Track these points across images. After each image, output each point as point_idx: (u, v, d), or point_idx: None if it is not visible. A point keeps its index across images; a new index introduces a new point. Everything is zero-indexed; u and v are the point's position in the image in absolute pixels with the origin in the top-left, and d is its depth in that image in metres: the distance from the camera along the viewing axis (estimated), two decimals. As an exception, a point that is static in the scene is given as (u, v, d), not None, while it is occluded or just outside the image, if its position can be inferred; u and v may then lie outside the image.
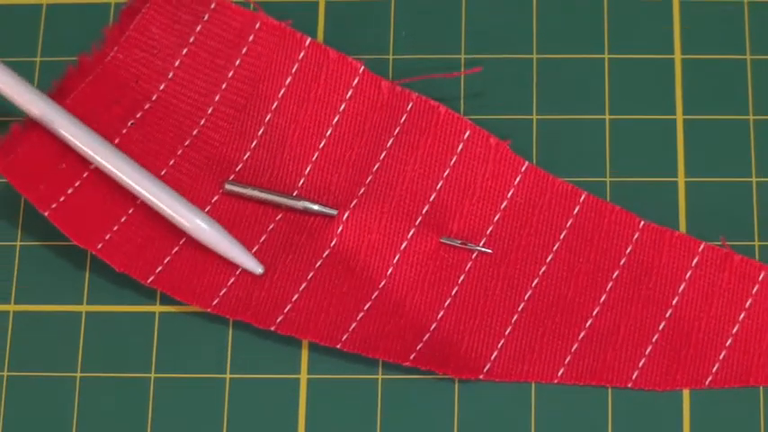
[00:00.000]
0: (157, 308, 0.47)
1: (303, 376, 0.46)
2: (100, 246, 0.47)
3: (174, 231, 0.48)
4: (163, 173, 0.49)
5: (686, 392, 0.45)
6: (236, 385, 0.46)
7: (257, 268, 0.47)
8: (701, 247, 0.46)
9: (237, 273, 0.47)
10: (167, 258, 0.47)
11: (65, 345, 0.47)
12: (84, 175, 0.48)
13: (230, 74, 0.50)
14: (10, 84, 0.48)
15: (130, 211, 0.48)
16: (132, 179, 0.47)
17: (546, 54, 0.50)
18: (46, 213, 0.47)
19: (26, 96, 0.48)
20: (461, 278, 0.47)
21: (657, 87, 0.49)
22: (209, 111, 0.50)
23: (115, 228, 0.48)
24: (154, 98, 0.50)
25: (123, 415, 0.46)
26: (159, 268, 0.47)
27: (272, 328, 0.46)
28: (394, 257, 0.47)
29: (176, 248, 0.48)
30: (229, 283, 0.47)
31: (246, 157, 0.49)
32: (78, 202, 0.48)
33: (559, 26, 0.51)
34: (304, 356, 0.47)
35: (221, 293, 0.47)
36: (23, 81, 0.48)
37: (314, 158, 0.49)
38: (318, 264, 0.47)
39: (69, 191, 0.48)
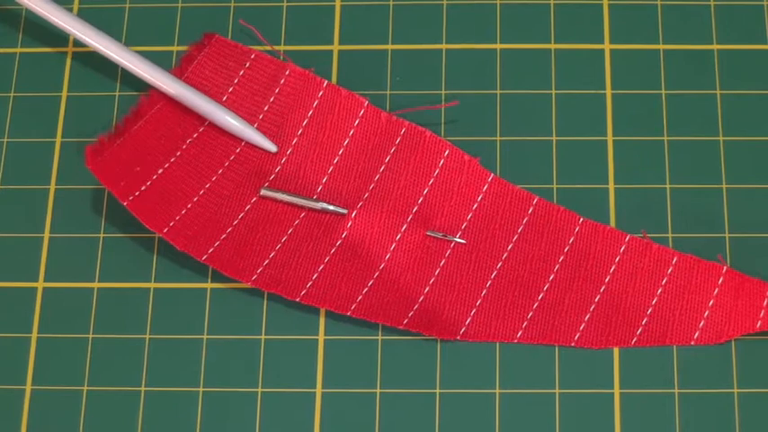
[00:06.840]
0: (209, 285, 0.49)
1: (321, 337, 0.48)
2: (166, 230, 0.48)
3: (222, 222, 0.49)
4: (213, 179, 0.50)
5: (616, 350, 0.48)
6: (269, 344, 0.48)
7: (273, 147, 0.49)
8: (627, 238, 0.49)
9: (271, 256, 0.48)
10: (217, 242, 0.49)
11: (137, 314, 0.49)
12: (154, 177, 0.50)
13: (266, 107, 0.51)
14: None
15: (189, 206, 0.49)
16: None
17: (507, 90, 0.52)
18: (125, 203, 0.48)
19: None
20: (442, 262, 0.49)
21: (593, 115, 0.51)
22: (250, 135, 0.51)
23: (177, 217, 0.49)
24: (207, 123, 0.52)
25: (182, 368, 0.48)
26: (211, 249, 0.48)
27: (298, 299, 0.48)
28: (391, 246, 0.49)
29: (224, 235, 0.49)
30: (264, 264, 0.48)
31: (278, 169, 0.51)
32: (150, 196, 0.49)
33: (517, 70, 0.52)
34: (321, 322, 0.49)
35: (258, 271, 0.48)
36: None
37: (329, 171, 0.51)
38: (332, 251, 0.49)
39: (143, 187, 0.49)
